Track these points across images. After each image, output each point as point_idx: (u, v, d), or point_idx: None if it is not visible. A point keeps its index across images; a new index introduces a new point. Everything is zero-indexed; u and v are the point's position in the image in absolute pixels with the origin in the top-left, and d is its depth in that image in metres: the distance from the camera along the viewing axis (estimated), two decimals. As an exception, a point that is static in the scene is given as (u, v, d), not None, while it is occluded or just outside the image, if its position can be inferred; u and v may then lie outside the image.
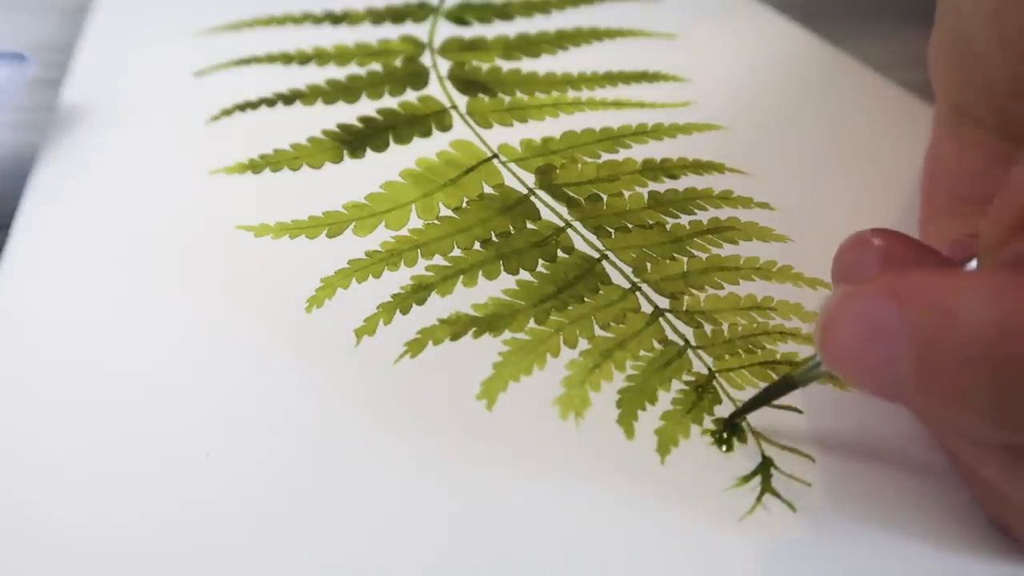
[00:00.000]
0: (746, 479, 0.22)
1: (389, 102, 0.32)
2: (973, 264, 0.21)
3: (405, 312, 0.25)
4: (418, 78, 0.33)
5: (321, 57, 0.34)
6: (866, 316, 0.19)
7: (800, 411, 0.24)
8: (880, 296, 0.19)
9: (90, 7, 0.36)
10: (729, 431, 0.23)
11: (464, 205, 0.28)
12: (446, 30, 0.35)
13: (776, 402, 0.23)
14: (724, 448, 0.23)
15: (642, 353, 0.25)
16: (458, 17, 0.36)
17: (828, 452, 0.23)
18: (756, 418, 0.23)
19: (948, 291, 0.18)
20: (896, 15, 0.39)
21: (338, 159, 0.30)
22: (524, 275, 0.26)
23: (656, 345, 0.25)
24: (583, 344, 0.25)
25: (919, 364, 0.18)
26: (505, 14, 0.36)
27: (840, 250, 0.22)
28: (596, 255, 0.27)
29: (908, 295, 0.19)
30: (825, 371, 0.21)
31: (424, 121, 0.31)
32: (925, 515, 0.22)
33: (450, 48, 0.35)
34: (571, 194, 0.29)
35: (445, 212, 0.28)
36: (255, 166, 0.29)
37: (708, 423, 0.23)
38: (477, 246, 0.27)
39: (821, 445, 0.23)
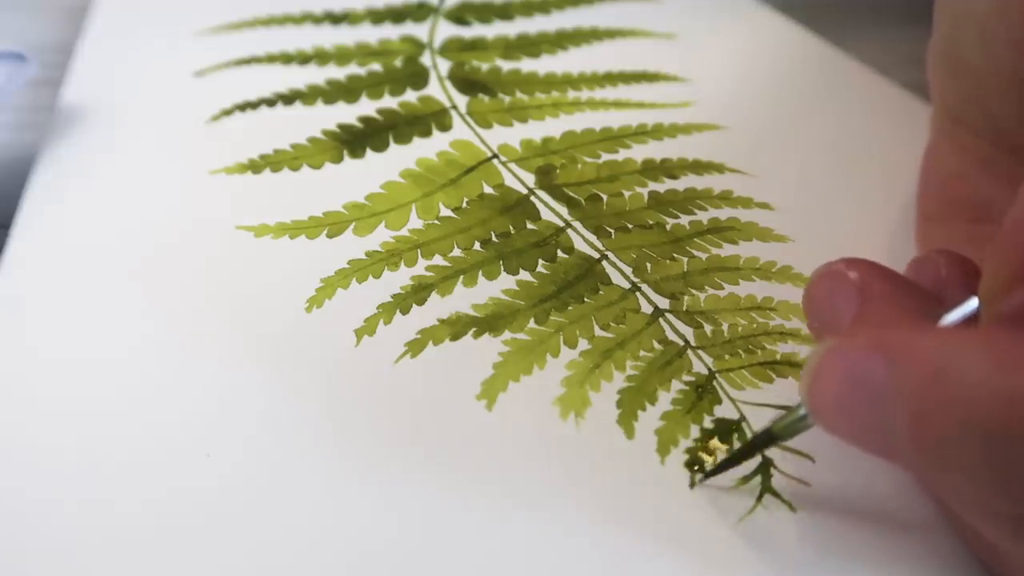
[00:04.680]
0: (746, 479, 0.22)
1: (389, 102, 0.32)
2: (974, 302, 0.19)
3: (405, 312, 0.25)
4: (418, 78, 0.33)
5: (321, 57, 0.34)
6: (853, 373, 0.18)
7: (800, 411, 0.23)
8: (867, 352, 0.18)
9: (90, 7, 0.36)
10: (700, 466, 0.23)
11: (464, 205, 0.28)
12: (446, 30, 0.35)
13: (776, 403, 0.23)
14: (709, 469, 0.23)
15: (642, 353, 0.25)
16: (458, 17, 0.36)
17: (828, 452, 0.23)
18: (757, 418, 0.23)
19: (942, 351, 0.17)
20: (896, 15, 0.39)
21: (338, 159, 0.30)
22: (524, 275, 0.26)
23: (656, 345, 0.25)
24: (583, 344, 0.25)
25: (913, 427, 0.17)
26: (505, 14, 0.36)
27: (812, 281, 0.21)
28: (596, 255, 0.27)
29: (898, 353, 0.17)
30: (811, 424, 0.20)
31: (424, 121, 0.31)
32: (926, 515, 0.22)
33: (450, 48, 0.35)
34: (571, 194, 0.29)
35: (445, 212, 0.28)
36: (255, 166, 0.29)
37: (708, 422, 0.23)
38: (477, 246, 0.27)
39: (821, 445, 0.23)
